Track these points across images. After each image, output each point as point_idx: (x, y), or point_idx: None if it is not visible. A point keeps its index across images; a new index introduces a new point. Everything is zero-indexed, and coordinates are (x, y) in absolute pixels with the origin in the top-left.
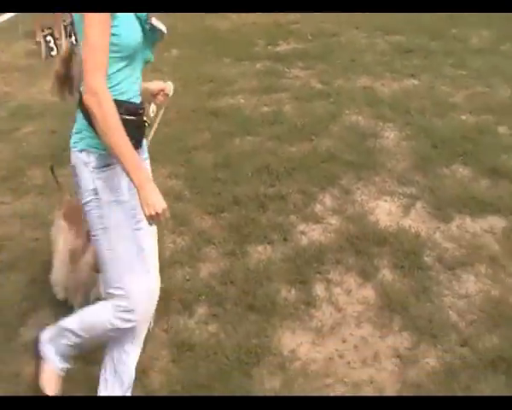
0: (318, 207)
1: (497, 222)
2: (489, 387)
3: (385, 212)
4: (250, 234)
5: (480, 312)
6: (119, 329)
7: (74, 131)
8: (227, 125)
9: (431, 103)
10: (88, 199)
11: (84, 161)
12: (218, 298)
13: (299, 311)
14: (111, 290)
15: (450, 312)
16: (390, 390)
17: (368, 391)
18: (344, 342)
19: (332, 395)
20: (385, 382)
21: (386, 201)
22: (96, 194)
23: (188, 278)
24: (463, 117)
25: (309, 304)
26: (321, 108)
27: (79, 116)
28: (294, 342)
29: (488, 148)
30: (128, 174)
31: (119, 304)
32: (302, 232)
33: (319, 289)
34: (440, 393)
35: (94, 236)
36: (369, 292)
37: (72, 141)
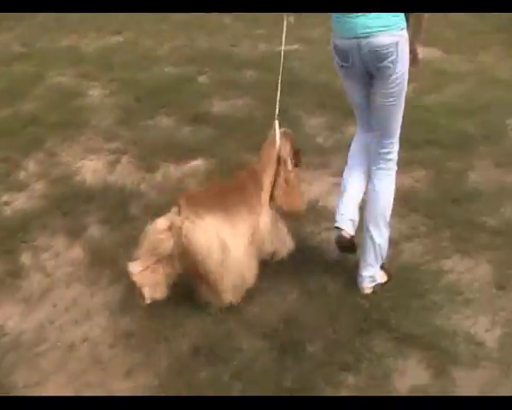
0: (23, 174)
1: (199, 165)
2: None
3: (91, 170)
4: None
5: None
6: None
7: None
8: None
9: (135, 58)
10: (404, 69)
11: (406, 38)
12: None
13: (5, 283)
14: (388, 143)
15: None
16: (104, 345)
17: (82, 349)
18: (55, 306)
19: (44, 361)
20: (98, 337)
21: (92, 159)
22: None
23: None
24: (166, 69)
25: (15, 275)
26: (22, 71)
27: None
28: (3, 316)
29: (189, 96)
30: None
31: (393, 158)
32: (6, 203)
33: (25, 258)
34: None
35: (395, 100)
36: (77, 252)
37: (386, 24)
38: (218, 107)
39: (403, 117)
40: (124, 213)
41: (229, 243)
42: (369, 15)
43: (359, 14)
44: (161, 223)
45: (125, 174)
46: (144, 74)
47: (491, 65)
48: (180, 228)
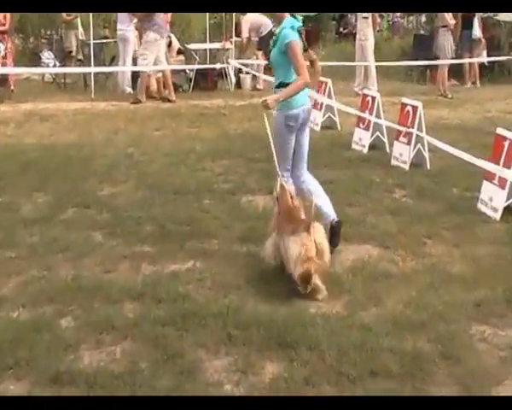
0: None
1: None
2: None
3: None
4: None
5: None
6: None
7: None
8: None
9: None
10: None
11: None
12: None
13: None
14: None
15: None
16: None
17: None
18: None
19: None
20: None
21: None
22: None
23: None
24: (15, 313)
25: None
26: None
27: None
28: None
29: (48, 349)
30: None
31: None
32: None
33: None
34: None
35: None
36: None
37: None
38: (88, 359)
39: None
40: None
41: None
42: None
43: None
44: None
45: None
46: None
47: (442, 258)
48: None
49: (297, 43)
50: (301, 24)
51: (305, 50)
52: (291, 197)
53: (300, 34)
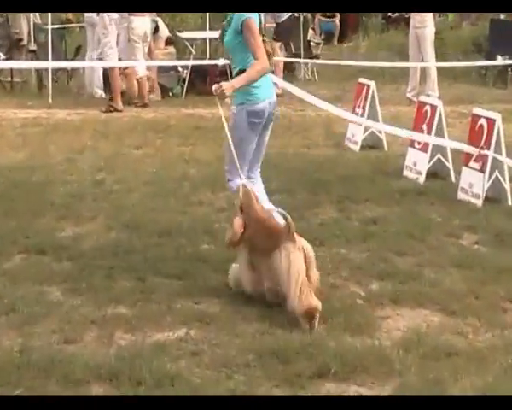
0: None
1: None
2: None
3: None
4: None
5: None
6: None
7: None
8: None
9: None
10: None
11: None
12: None
13: None
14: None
15: None
16: None
17: None
18: None
19: None
20: None
21: None
22: None
23: None
24: None
25: None
26: None
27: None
28: None
29: None
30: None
31: None
32: None
33: None
34: None
35: None
36: None
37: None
38: None
39: None
40: None
41: None
42: None
43: None
44: None
45: None
46: None
47: None
48: None
49: (254, 21)
50: None
51: (263, 40)
52: (258, 203)
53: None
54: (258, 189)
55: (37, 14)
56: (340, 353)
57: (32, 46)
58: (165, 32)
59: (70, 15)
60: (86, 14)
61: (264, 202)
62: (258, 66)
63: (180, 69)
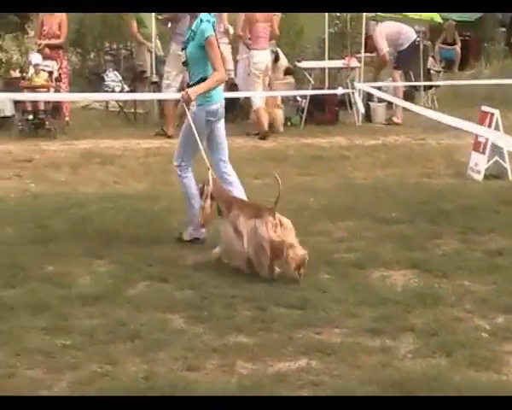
0: None
1: None
2: None
3: None
4: None
5: None
6: None
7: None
8: None
9: None
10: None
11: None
12: None
13: None
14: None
15: None
16: None
17: None
18: None
19: None
20: None
21: None
22: None
23: None
24: None
25: None
26: None
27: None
28: None
29: None
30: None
31: None
32: None
33: None
34: None
35: None
36: None
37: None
38: None
39: None
40: None
41: None
42: None
43: None
44: None
45: None
46: None
47: None
48: None
49: (215, 37)
50: (215, 20)
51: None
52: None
53: (214, 29)
54: (238, 186)
55: (159, 45)
56: (464, 387)
57: (155, 78)
58: (284, 62)
59: None
60: None
61: (236, 187)
62: (217, 76)
63: (299, 99)
